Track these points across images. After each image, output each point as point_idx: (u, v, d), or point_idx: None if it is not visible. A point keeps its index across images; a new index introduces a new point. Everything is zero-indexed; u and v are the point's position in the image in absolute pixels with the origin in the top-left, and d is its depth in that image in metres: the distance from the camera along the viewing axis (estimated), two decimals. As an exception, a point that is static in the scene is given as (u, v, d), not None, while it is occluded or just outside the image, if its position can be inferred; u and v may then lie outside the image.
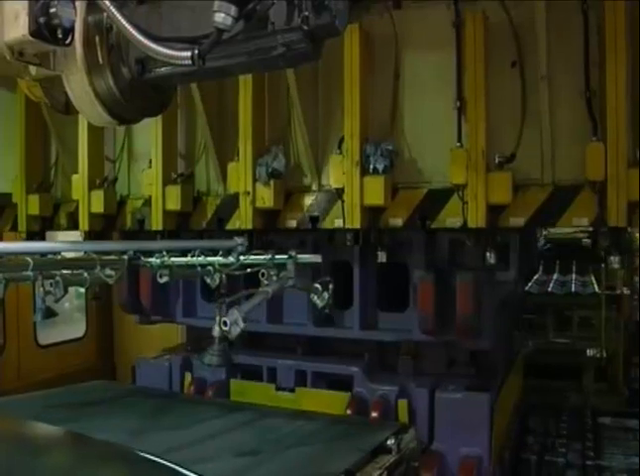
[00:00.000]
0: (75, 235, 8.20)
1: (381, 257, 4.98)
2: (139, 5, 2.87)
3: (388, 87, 4.98)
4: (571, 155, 4.47)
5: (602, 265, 9.91)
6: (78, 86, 2.86)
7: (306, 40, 2.53)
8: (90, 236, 6.22)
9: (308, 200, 5.25)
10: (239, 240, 4.27)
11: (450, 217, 4.72)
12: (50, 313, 3.64)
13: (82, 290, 10.03)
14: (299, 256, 4.20)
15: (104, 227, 6.21)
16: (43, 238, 6.86)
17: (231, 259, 4.08)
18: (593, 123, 4.33)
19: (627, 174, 4.18)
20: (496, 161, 4.49)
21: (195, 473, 2.39)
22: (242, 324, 3.31)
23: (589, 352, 9.57)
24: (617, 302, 9.76)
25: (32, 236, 6.79)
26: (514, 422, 6.45)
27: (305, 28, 2.46)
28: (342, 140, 4.93)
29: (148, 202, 5.84)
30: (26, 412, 4.33)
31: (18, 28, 2.55)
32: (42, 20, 2.50)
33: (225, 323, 3.29)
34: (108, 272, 3.76)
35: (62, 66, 2.85)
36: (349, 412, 5.21)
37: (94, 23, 2.83)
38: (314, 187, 5.27)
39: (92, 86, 2.85)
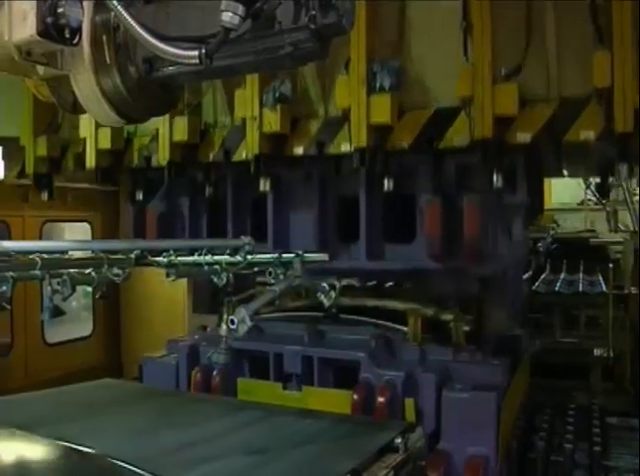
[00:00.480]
0: (84, 230, 8.22)
1: (388, 185, 4.96)
2: (146, 4, 2.89)
3: (395, 7, 4.99)
4: (577, 68, 4.54)
5: (610, 265, 9.90)
6: (86, 86, 2.88)
7: (313, 39, 2.54)
8: (97, 174, 6.26)
9: (315, 127, 5.25)
10: (245, 239, 4.27)
11: (457, 136, 4.72)
12: (57, 312, 3.65)
13: (90, 289, 10.08)
14: (306, 255, 4.21)
15: (111, 164, 6.25)
16: (50, 181, 6.94)
17: (238, 258, 4.10)
18: (599, 32, 4.40)
19: (632, 81, 4.28)
20: (502, 73, 4.51)
21: None
22: (249, 323, 3.32)
23: (597, 351, 9.55)
24: (625, 302, 9.74)
25: (39, 178, 6.83)
26: (521, 421, 6.44)
27: (312, 27, 2.46)
28: (348, 61, 4.93)
29: (155, 138, 5.88)
30: (33, 410, 4.35)
31: (26, 28, 2.57)
32: (49, 20, 2.53)
33: (232, 322, 3.30)
34: (115, 271, 3.78)
35: (70, 66, 2.88)
36: (355, 397, 5.22)
37: (102, 22, 2.85)
38: (321, 113, 5.27)
39: (100, 86, 2.88)
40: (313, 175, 5.62)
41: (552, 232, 13.07)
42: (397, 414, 5.15)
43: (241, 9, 2.40)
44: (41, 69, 2.94)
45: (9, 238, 8.12)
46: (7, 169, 7.41)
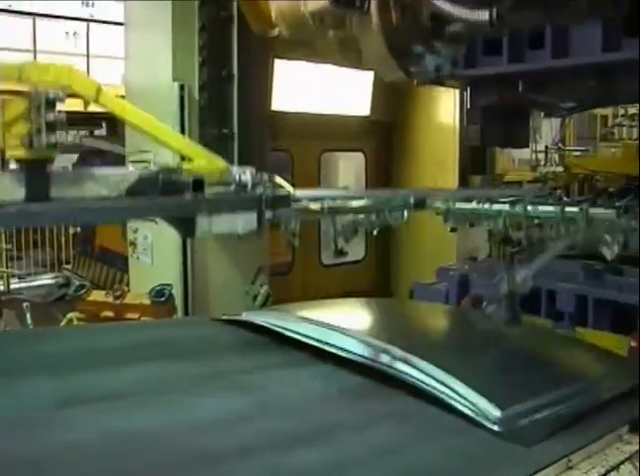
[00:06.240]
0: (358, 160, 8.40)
1: None
2: None
3: None
4: None
5: None
6: (373, 47, 3.01)
7: None
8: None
9: None
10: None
11: None
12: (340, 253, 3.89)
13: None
14: (591, 210, 3.94)
15: None
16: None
17: (517, 209, 3.97)
18: None
19: None
20: None
21: None
22: (531, 282, 3.26)
23: None
24: None
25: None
26: None
27: None
28: None
29: None
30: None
31: None
32: None
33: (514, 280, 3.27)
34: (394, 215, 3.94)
35: (358, 29, 3.02)
36: (633, 344, 4.95)
37: None
38: None
39: (388, 46, 2.97)
40: None
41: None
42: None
43: None
44: (330, 33, 3.15)
45: (292, 165, 8.69)
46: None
